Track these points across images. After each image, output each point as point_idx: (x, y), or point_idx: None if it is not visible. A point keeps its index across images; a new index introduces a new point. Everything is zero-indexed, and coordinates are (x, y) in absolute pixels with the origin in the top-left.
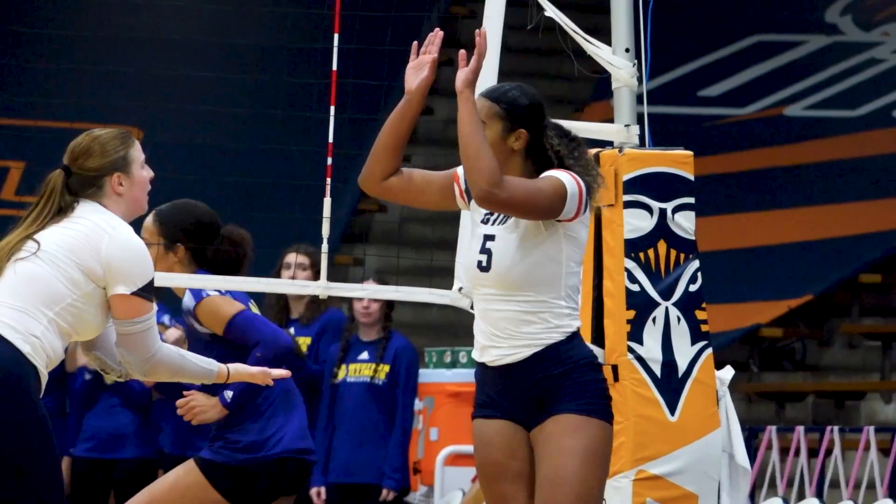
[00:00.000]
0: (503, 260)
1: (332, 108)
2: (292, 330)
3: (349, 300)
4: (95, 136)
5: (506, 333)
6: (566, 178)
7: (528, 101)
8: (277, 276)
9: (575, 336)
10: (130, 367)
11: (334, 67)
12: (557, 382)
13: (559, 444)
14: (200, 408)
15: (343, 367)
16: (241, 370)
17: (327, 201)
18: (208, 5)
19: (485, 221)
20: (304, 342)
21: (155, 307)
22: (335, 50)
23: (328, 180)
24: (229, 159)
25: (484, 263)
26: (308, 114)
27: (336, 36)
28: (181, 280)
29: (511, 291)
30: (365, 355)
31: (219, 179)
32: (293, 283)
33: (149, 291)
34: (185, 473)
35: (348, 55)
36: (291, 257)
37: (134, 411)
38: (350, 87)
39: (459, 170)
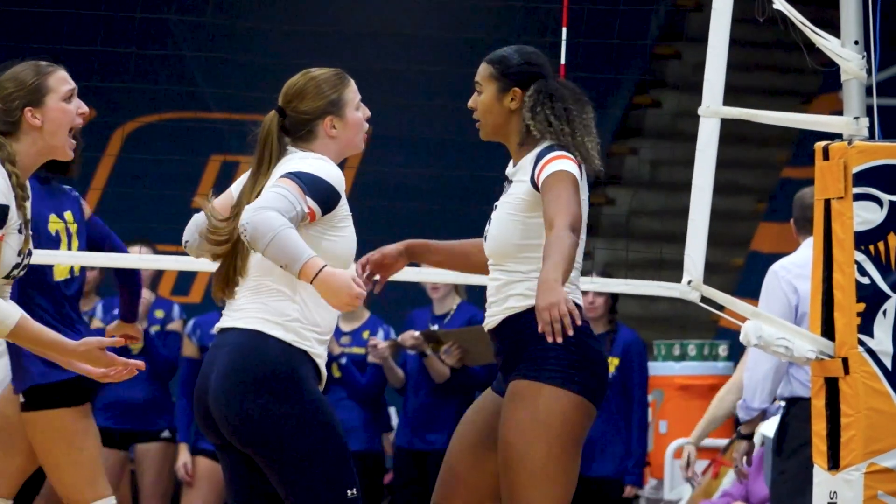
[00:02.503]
0: (493, 230)
1: None
2: None
3: None
4: (310, 76)
5: (490, 300)
6: (570, 167)
7: (521, 59)
8: None
9: None
10: None
11: (562, 61)
12: (517, 351)
13: (506, 416)
14: None
15: None
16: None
17: None
18: None
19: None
20: None
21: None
22: (563, 43)
23: None
24: (453, 153)
25: (486, 233)
26: None
27: (564, 30)
28: None
29: (498, 260)
30: None
31: (442, 173)
32: None
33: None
34: None
35: (576, 49)
36: None
37: (362, 405)
38: (577, 80)
39: None
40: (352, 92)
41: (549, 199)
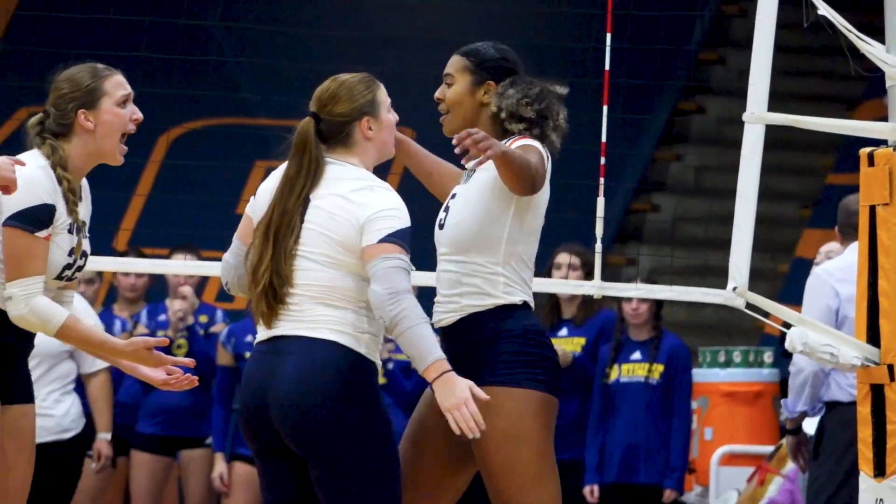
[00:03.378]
0: (451, 218)
1: (605, 108)
2: (564, 330)
3: (618, 300)
4: (341, 80)
5: (442, 296)
6: (542, 149)
7: (496, 53)
8: (548, 275)
9: (506, 308)
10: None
11: (607, 67)
12: (475, 352)
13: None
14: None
15: (615, 367)
16: None
17: (601, 201)
18: (480, 4)
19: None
20: (577, 342)
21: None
22: (608, 49)
23: (601, 180)
24: None
25: (442, 221)
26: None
27: (608, 36)
28: None
29: (452, 251)
30: (637, 355)
31: None
32: (567, 283)
33: None
34: None
35: (620, 54)
36: (563, 257)
37: (407, 411)
38: (622, 86)
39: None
40: (383, 94)
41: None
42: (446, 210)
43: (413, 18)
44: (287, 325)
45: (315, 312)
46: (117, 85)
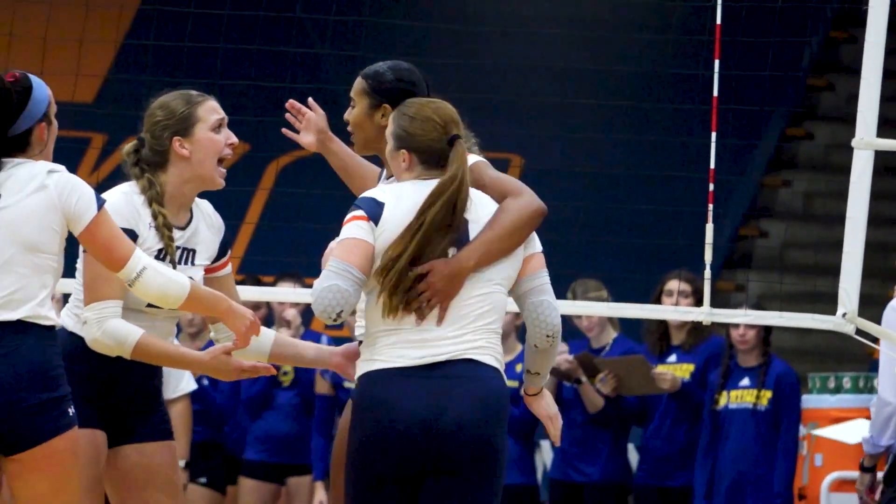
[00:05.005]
0: None
1: (714, 134)
2: (674, 357)
3: (726, 326)
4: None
5: None
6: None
7: (393, 76)
8: (657, 302)
9: None
10: None
11: (715, 93)
12: None
13: None
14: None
15: (724, 393)
16: None
17: (709, 227)
18: (587, 33)
19: None
20: (686, 369)
21: None
22: (716, 76)
23: (710, 206)
24: (608, 185)
25: None
26: (689, 139)
27: (716, 62)
28: None
29: None
30: (746, 381)
31: (597, 206)
32: (676, 310)
33: None
34: None
35: (729, 81)
36: (673, 284)
37: (516, 438)
38: (731, 112)
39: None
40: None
41: (491, 177)
42: None
43: (520, 46)
44: (450, 348)
45: (476, 336)
46: (211, 110)
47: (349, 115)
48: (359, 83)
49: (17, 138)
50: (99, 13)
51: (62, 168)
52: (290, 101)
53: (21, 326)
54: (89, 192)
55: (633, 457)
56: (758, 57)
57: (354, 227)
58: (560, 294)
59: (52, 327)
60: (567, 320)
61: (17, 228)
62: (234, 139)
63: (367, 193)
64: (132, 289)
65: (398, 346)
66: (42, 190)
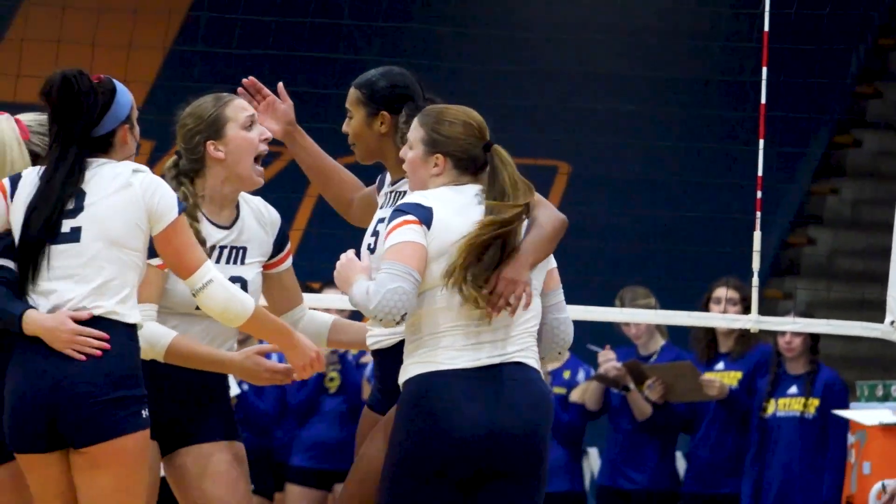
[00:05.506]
0: (383, 245)
1: (761, 142)
2: (721, 364)
3: (774, 334)
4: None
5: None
6: None
7: (386, 83)
8: (705, 309)
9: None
10: None
11: (763, 100)
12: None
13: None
14: None
15: (772, 401)
16: None
17: (757, 235)
18: (638, 38)
19: (380, 206)
20: (733, 376)
21: None
22: (764, 83)
23: (758, 213)
24: (655, 192)
25: (372, 245)
26: (737, 146)
27: (764, 69)
28: None
29: None
30: (794, 389)
31: (645, 213)
32: (724, 317)
33: None
34: None
35: (777, 88)
36: (721, 291)
37: (563, 444)
38: (779, 119)
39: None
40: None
41: None
42: (375, 235)
43: (565, 51)
44: (508, 350)
45: (523, 340)
46: (239, 108)
47: (347, 126)
48: (353, 94)
49: (100, 139)
50: (147, 19)
51: (146, 168)
52: (250, 77)
53: (105, 323)
54: (172, 194)
55: (681, 464)
56: (805, 64)
57: (409, 231)
58: (608, 301)
59: (133, 325)
60: (615, 327)
61: (103, 224)
62: (268, 134)
63: (408, 199)
64: (197, 299)
65: (452, 348)
66: (127, 188)
